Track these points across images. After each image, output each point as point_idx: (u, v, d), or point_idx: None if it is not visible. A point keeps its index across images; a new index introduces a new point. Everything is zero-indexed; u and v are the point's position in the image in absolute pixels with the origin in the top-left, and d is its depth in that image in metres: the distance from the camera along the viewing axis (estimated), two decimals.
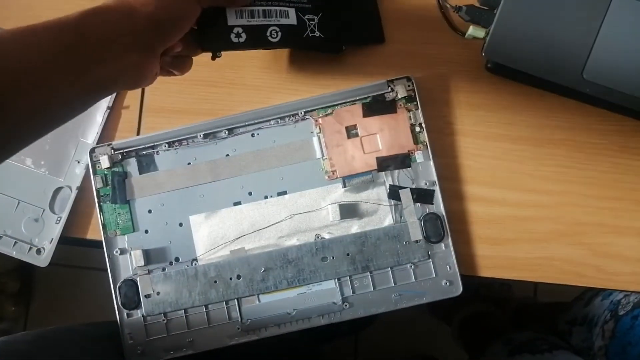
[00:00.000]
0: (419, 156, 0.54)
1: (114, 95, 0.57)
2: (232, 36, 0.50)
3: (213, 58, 0.52)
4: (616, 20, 0.51)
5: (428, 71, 0.56)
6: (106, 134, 0.58)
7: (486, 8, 0.54)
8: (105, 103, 0.58)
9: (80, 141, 0.58)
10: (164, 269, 0.55)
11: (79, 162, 0.57)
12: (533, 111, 0.55)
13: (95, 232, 0.57)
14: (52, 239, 0.57)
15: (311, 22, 0.52)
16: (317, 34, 0.53)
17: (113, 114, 0.58)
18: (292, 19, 0.51)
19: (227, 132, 0.55)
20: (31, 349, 0.52)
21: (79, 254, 1.20)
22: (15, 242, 0.57)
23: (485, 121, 0.56)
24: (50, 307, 1.24)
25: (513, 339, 0.77)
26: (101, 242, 0.55)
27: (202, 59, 0.58)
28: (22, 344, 0.52)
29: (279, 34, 0.50)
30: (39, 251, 0.57)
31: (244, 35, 0.50)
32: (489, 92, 0.56)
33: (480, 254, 0.55)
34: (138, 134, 0.58)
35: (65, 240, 0.57)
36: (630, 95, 0.51)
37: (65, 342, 0.56)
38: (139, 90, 0.58)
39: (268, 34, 0.50)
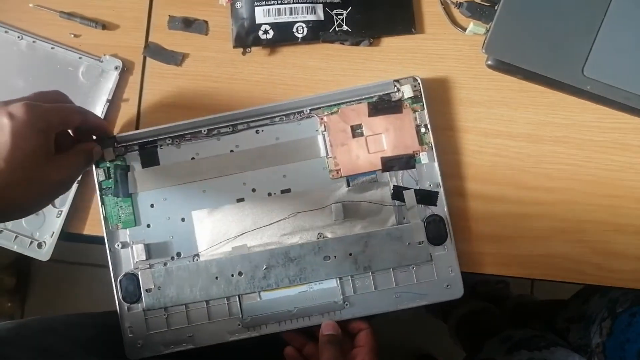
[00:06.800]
0: (423, 157, 0.54)
1: (113, 87, 0.57)
2: (260, 33, 0.54)
3: (243, 53, 0.57)
4: (617, 17, 0.51)
5: (428, 67, 0.56)
6: None
7: (487, 4, 0.54)
8: (104, 96, 0.57)
9: None
10: (165, 264, 0.55)
11: None
12: (534, 108, 0.56)
13: (96, 226, 0.56)
14: (53, 232, 0.57)
15: (339, 17, 0.53)
16: (345, 27, 0.54)
17: (112, 107, 0.58)
18: (319, 15, 0.54)
19: (231, 128, 0.55)
20: (10, 336, 0.53)
21: (75, 250, 1.19)
22: (16, 236, 0.57)
23: (485, 118, 0.56)
24: (47, 303, 1.23)
25: (510, 336, 0.77)
26: (101, 237, 0.55)
27: (201, 54, 0.58)
28: (2, 332, 0.53)
29: (305, 29, 0.52)
30: (40, 245, 0.57)
31: (271, 32, 0.54)
32: (490, 89, 0.56)
33: (480, 251, 0.55)
34: (137, 128, 0.58)
35: (66, 236, 0.57)
36: (631, 92, 0.51)
37: (46, 331, 0.56)
38: (138, 84, 0.58)
39: (294, 29, 0.53)
